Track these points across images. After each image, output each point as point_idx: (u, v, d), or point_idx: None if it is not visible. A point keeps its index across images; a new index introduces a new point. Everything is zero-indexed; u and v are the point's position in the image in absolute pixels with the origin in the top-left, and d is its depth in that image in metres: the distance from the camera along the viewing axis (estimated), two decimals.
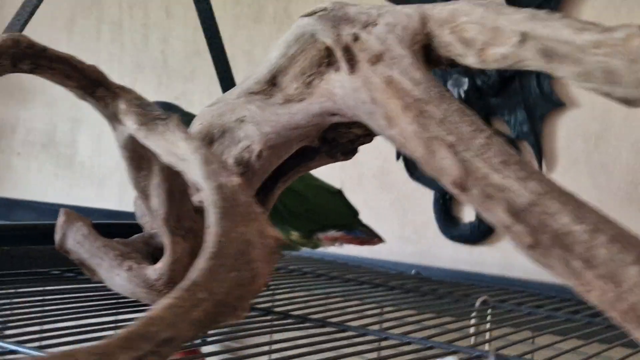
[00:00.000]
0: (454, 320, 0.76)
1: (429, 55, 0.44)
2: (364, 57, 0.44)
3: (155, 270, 0.55)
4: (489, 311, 0.81)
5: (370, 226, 0.76)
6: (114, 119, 0.44)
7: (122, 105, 0.43)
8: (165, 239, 0.53)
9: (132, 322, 0.27)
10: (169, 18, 1.60)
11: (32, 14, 0.60)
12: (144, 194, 0.51)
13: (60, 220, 0.58)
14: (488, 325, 0.79)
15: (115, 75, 1.71)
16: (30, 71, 0.41)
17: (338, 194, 0.78)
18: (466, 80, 1.12)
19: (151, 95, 1.57)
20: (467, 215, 1.18)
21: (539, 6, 1.04)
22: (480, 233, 1.15)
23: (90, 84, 0.43)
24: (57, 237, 0.58)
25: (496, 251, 1.16)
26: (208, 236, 0.33)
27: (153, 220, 0.53)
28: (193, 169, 0.36)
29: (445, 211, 1.18)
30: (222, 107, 0.52)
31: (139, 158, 0.48)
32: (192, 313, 0.27)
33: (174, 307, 0.27)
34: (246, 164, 0.54)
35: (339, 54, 0.45)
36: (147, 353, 0.24)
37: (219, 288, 0.28)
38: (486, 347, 0.66)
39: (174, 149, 0.38)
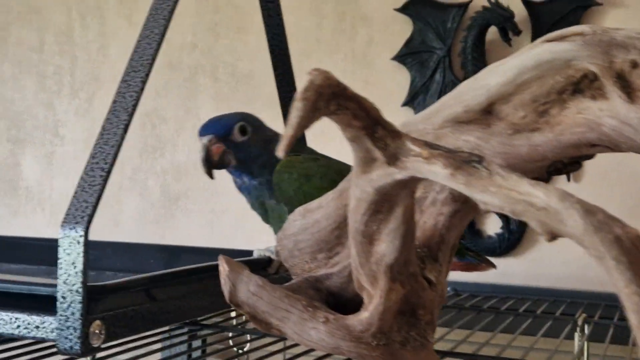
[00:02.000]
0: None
1: None
2: None
3: (361, 321, 0.50)
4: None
5: (478, 251, 0.74)
6: (393, 160, 0.40)
7: (411, 146, 0.39)
8: (380, 285, 0.49)
9: None
10: (132, 27, 1.51)
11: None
12: (369, 237, 0.47)
13: (225, 269, 0.53)
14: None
15: (67, 89, 1.64)
16: (333, 113, 0.36)
17: None
18: None
19: None
20: (491, 227, 1.19)
21: (559, 21, 1.07)
22: (506, 245, 1.17)
23: (372, 123, 0.38)
24: (227, 289, 0.52)
25: (522, 262, 1.18)
26: (627, 296, 0.31)
27: (364, 265, 0.49)
28: (564, 220, 0.33)
29: (470, 225, 1.19)
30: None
31: (382, 202, 0.44)
32: None
33: None
34: (464, 199, 0.50)
35: (609, 81, 0.44)
36: None
37: None
38: None
39: (523, 196, 0.35)
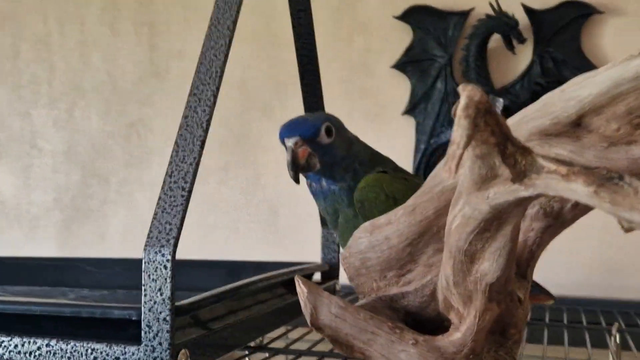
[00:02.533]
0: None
1: None
2: None
3: (453, 342, 0.49)
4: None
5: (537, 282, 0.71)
6: (520, 177, 0.39)
7: (545, 163, 0.38)
8: (475, 305, 0.48)
9: None
10: (115, 35, 1.47)
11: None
12: (470, 256, 0.46)
13: (304, 291, 0.51)
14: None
15: (45, 99, 1.58)
16: (480, 130, 0.35)
17: None
18: (501, 100, 1.13)
19: (98, 121, 1.44)
20: None
21: (561, 29, 1.08)
22: None
23: (504, 139, 0.37)
24: (308, 312, 0.50)
25: None
26: None
27: (459, 284, 0.48)
28: None
29: None
30: None
31: (493, 219, 0.43)
32: None
33: None
34: (556, 214, 0.50)
35: None
36: None
37: None
38: None
39: None
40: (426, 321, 0.55)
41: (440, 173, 0.53)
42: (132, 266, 0.94)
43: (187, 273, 0.88)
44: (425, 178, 1.13)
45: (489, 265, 0.46)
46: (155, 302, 0.44)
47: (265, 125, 1.37)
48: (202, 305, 0.51)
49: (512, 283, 0.48)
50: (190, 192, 0.46)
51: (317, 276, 0.91)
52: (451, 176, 0.32)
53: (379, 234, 0.56)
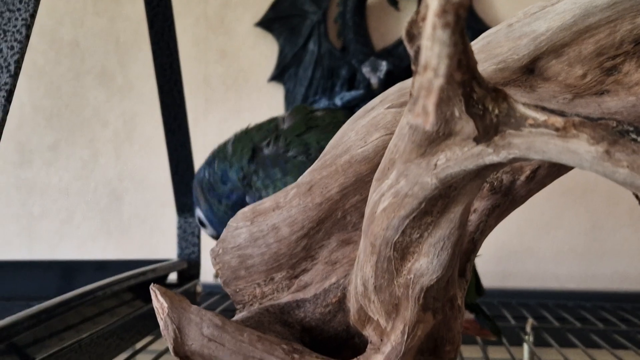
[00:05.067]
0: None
1: None
2: None
3: None
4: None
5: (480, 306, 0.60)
6: (488, 134, 0.28)
7: (528, 112, 0.27)
8: (404, 316, 0.37)
9: None
10: None
11: None
12: (401, 251, 0.35)
13: (163, 306, 0.38)
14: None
15: None
16: None
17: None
18: (384, 63, 1.03)
19: None
20: None
21: None
22: None
23: (470, 77, 0.26)
24: (171, 335, 0.38)
25: None
26: None
27: (383, 289, 0.37)
28: None
29: None
30: None
31: (438, 198, 0.32)
32: None
33: None
34: (506, 190, 0.40)
35: None
36: None
37: None
38: None
39: None
40: (329, 338, 0.44)
41: (349, 137, 0.42)
42: None
43: (6, 278, 0.73)
44: None
45: (426, 263, 0.35)
46: None
47: (103, 95, 1.21)
48: (21, 328, 0.37)
49: (454, 286, 0.38)
50: None
51: (172, 276, 0.78)
52: (428, 123, 0.21)
53: (263, 223, 0.45)
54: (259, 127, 0.60)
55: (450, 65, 0.20)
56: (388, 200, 0.33)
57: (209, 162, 0.61)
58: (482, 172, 0.31)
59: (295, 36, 1.12)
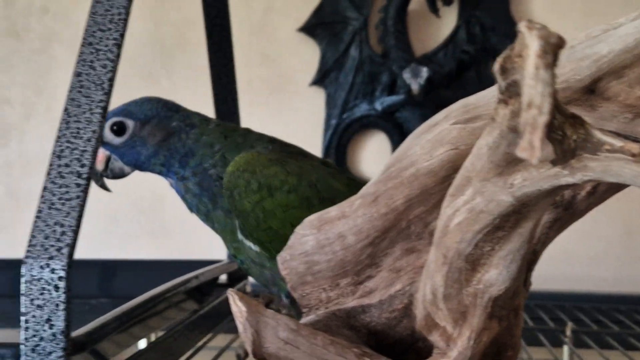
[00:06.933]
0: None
1: None
2: None
3: None
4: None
5: None
6: (565, 157, 0.30)
7: (604, 138, 0.29)
8: (471, 323, 0.39)
9: None
10: None
11: None
12: (472, 262, 0.37)
13: (242, 310, 0.41)
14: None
15: None
16: None
17: None
18: (425, 70, 1.05)
19: None
20: None
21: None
22: None
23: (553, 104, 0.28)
24: (250, 338, 0.40)
25: None
26: None
27: (451, 298, 0.39)
28: None
29: None
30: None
31: (511, 214, 0.34)
32: None
33: None
34: (567, 204, 0.42)
35: None
36: None
37: None
38: None
39: None
40: (394, 342, 0.46)
41: (414, 151, 0.44)
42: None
43: None
44: (337, 161, 1.03)
45: (496, 274, 0.37)
46: (42, 339, 0.33)
47: None
48: (104, 333, 0.39)
49: (519, 295, 0.40)
50: (89, 179, 0.35)
51: (222, 276, 0.81)
52: (534, 157, 0.23)
53: (329, 231, 0.47)
54: (260, 137, 0.55)
55: (552, 102, 0.22)
56: (463, 215, 0.35)
57: (200, 132, 0.54)
58: (555, 190, 0.33)
59: (337, 42, 1.14)
